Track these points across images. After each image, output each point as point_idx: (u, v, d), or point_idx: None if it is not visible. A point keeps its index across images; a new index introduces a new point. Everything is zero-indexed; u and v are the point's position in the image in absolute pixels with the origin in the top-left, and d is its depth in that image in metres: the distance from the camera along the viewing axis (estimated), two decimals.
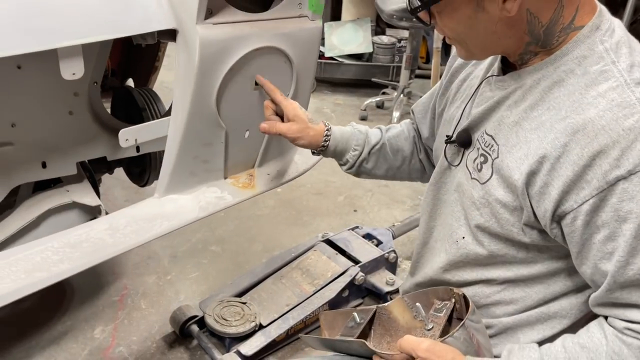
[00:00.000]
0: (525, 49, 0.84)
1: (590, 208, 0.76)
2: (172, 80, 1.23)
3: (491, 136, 0.90)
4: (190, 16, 1.10)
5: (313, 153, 1.22)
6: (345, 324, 1.10)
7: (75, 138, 1.41)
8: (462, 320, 0.89)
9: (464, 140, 0.96)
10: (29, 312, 1.89)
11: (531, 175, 0.82)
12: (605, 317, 0.83)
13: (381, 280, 1.99)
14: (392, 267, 2.08)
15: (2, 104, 1.26)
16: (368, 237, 2.15)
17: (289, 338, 1.80)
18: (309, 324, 1.84)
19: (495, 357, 0.91)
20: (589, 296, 0.86)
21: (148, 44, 1.28)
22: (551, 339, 0.89)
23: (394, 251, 2.07)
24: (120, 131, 1.23)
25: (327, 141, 1.17)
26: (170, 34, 1.19)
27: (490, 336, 0.96)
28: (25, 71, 1.23)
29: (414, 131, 1.26)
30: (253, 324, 1.74)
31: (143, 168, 1.87)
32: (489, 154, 0.89)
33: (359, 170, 1.24)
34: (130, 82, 2.12)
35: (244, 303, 1.82)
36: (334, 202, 2.78)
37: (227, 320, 1.76)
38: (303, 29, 1.26)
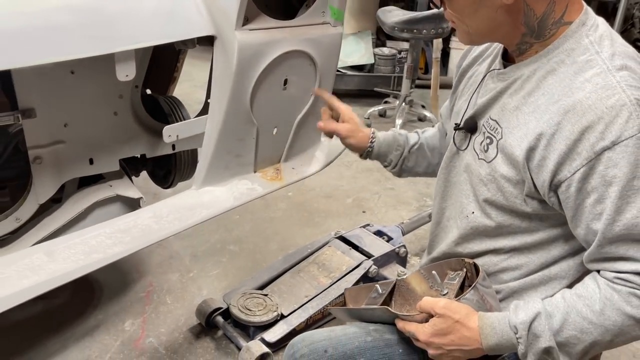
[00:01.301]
0: (521, 40, 0.97)
1: (582, 176, 0.89)
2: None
3: (495, 121, 1.03)
4: (230, 23, 1.23)
5: (360, 156, 1.35)
6: (368, 296, 1.22)
7: (119, 137, 1.54)
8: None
9: (470, 127, 1.09)
10: (62, 307, 1.99)
11: (530, 151, 0.95)
12: (598, 272, 0.95)
13: (393, 273, 2.09)
14: (403, 261, 2.19)
15: (57, 106, 1.39)
16: (379, 234, 2.25)
17: (308, 327, 1.90)
18: (326, 314, 1.95)
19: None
20: None
21: (184, 49, 1.41)
22: None
23: (404, 246, 2.18)
24: (165, 127, 1.36)
25: (372, 143, 1.31)
26: (209, 40, 1.32)
27: (500, 300, 1.09)
28: (78, 76, 1.37)
29: (444, 130, 1.39)
30: (275, 314, 1.84)
31: (168, 170, 1.99)
32: (494, 136, 1.03)
33: (401, 169, 1.37)
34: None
35: (266, 295, 1.93)
36: (343, 204, 2.91)
37: (251, 310, 1.86)
38: (326, 35, 1.40)
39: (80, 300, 2.03)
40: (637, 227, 0.87)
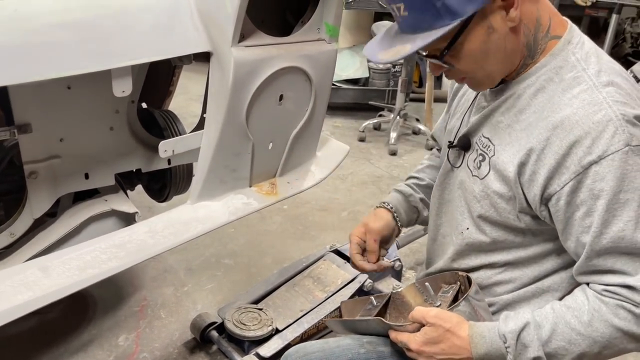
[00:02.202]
0: (522, 62, 0.99)
1: (570, 189, 0.91)
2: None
3: (488, 138, 1.05)
4: (226, 40, 1.25)
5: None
6: (364, 308, 1.23)
7: (115, 151, 1.55)
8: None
9: (464, 144, 1.11)
10: (56, 322, 1.98)
11: (521, 166, 0.97)
12: (587, 284, 0.97)
13: (388, 287, 2.09)
14: (398, 274, 2.20)
15: (53, 121, 1.39)
16: None
17: (303, 342, 1.90)
18: (321, 329, 1.94)
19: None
20: None
21: (180, 65, 1.42)
22: None
23: (399, 260, 2.18)
24: (161, 142, 1.37)
25: (397, 220, 1.27)
26: (205, 56, 1.34)
27: (493, 313, 1.10)
28: (74, 91, 1.37)
29: (436, 158, 1.39)
30: (270, 328, 1.84)
31: (163, 184, 1.99)
32: (486, 153, 1.05)
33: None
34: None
35: (261, 309, 1.92)
36: (339, 217, 2.91)
37: (245, 324, 1.85)
38: (321, 51, 1.42)
39: (74, 315, 2.03)
40: (624, 240, 0.89)
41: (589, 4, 4.26)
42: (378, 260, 1.25)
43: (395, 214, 1.27)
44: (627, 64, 4.11)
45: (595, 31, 4.54)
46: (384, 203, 1.28)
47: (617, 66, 0.97)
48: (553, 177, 0.93)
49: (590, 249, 0.92)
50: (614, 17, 4.29)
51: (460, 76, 1.01)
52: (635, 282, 0.89)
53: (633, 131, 0.87)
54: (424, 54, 0.96)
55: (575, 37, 0.98)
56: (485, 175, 1.04)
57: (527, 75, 0.99)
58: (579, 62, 0.96)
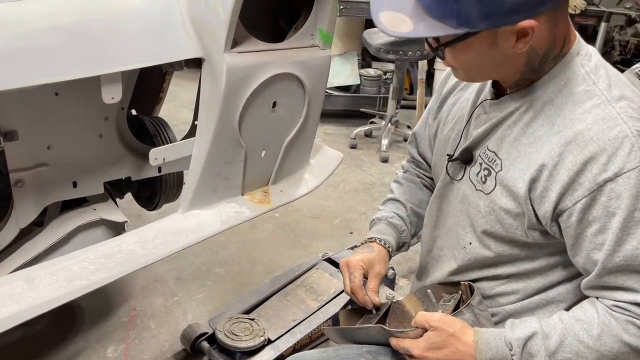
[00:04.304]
0: (521, 77, 0.97)
1: (583, 206, 0.89)
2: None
3: (494, 152, 1.02)
4: (218, 46, 1.22)
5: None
6: (362, 317, 1.21)
7: (104, 159, 1.51)
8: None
9: (466, 158, 1.09)
10: (42, 333, 1.93)
11: (532, 182, 0.94)
12: (596, 298, 0.95)
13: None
14: (391, 283, 2.18)
15: (40, 128, 1.36)
16: None
17: (295, 352, 1.87)
18: (314, 339, 1.92)
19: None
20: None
21: (171, 71, 1.40)
22: None
23: (392, 268, 2.16)
24: (151, 150, 1.34)
25: (387, 247, 1.22)
26: (196, 62, 1.31)
27: (496, 323, 1.08)
28: (62, 98, 1.34)
29: (415, 169, 1.37)
30: (262, 339, 1.81)
31: (153, 192, 1.96)
32: (492, 168, 1.02)
33: (416, 234, 1.33)
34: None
35: (252, 319, 1.89)
36: (331, 225, 2.89)
37: (237, 335, 1.82)
38: (315, 58, 1.40)
39: (61, 326, 1.98)
40: (637, 258, 0.88)
41: (578, 12, 4.29)
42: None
43: (391, 255, 1.23)
44: None
45: (585, 39, 4.56)
46: (384, 243, 1.21)
47: (623, 77, 0.96)
48: (565, 194, 0.91)
49: (602, 266, 0.90)
50: (603, 25, 4.33)
51: (448, 65, 1.00)
52: None
53: None
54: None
55: (583, 48, 0.97)
56: (492, 191, 1.02)
57: (534, 87, 0.97)
58: (588, 75, 0.94)
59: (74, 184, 1.46)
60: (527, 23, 0.84)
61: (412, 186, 1.33)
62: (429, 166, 1.33)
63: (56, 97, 1.34)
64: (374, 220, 1.28)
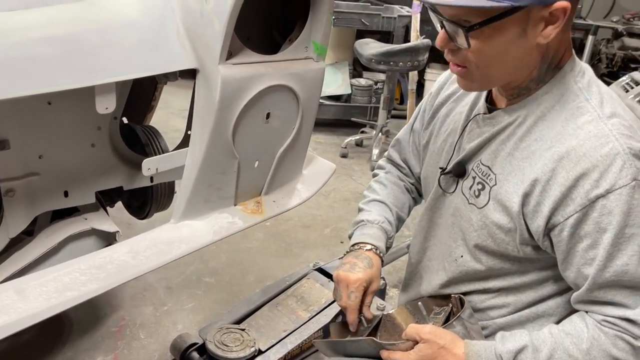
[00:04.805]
0: (527, 85, 0.97)
1: (575, 222, 0.91)
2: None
3: (488, 167, 1.03)
4: (213, 57, 1.23)
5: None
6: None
7: (96, 169, 1.51)
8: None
9: (458, 172, 1.10)
10: (30, 344, 1.91)
11: (525, 196, 0.96)
12: (586, 312, 0.96)
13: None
14: (382, 293, 2.17)
15: (32, 137, 1.35)
16: None
17: None
18: (305, 349, 1.91)
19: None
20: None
21: (165, 81, 1.40)
22: None
23: (382, 278, 2.16)
24: (144, 161, 1.33)
25: (381, 256, 1.21)
26: (191, 73, 1.32)
27: (486, 336, 1.09)
28: (54, 107, 1.33)
29: (396, 171, 1.37)
30: (253, 349, 1.80)
31: (144, 201, 1.95)
32: (487, 182, 1.03)
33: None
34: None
35: (243, 329, 1.88)
36: (321, 234, 2.89)
37: (227, 346, 1.81)
38: (309, 70, 1.41)
39: (49, 336, 1.96)
40: (627, 274, 0.89)
41: None
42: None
43: (383, 262, 1.22)
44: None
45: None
46: (380, 252, 1.19)
47: (614, 94, 0.98)
48: (558, 209, 0.92)
49: (592, 281, 0.91)
50: (590, 38, 4.39)
51: (461, 62, 0.95)
52: (635, 315, 0.89)
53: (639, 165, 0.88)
54: (448, 20, 0.88)
55: (577, 65, 0.98)
56: (485, 205, 1.02)
57: (528, 102, 0.98)
58: (581, 91, 0.95)
59: (65, 194, 1.45)
60: (562, 4, 0.85)
61: (396, 189, 1.33)
62: (411, 172, 1.34)
63: (49, 107, 1.33)
64: (363, 221, 1.24)
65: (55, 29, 1.12)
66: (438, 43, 0.95)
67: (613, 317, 0.92)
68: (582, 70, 0.98)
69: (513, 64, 0.93)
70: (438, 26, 0.93)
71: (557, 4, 0.85)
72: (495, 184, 1.01)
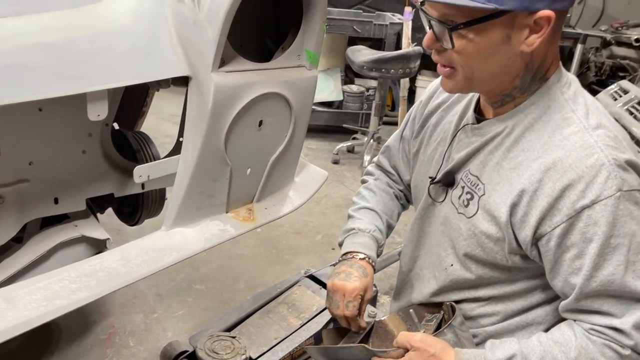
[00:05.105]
0: (510, 92, 0.98)
1: (562, 232, 0.92)
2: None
3: (476, 176, 1.04)
4: (206, 65, 1.23)
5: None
6: (346, 336, 1.21)
7: (87, 175, 1.50)
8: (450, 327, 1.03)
9: (447, 181, 1.10)
10: (17, 352, 1.89)
11: (513, 207, 0.97)
12: (574, 320, 0.98)
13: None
14: (373, 300, 2.17)
15: (22, 144, 1.34)
16: None
17: None
18: (296, 357, 1.90)
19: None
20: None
21: (158, 89, 1.39)
22: None
23: (374, 285, 2.17)
24: (136, 168, 1.33)
25: (373, 264, 1.21)
26: (183, 81, 1.31)
27: (477, 344, 1.09)
28: (45, 113, 1.33)
29: (385, 178, 1.37)
30: (244, 357, 1.78)
31: (135, 207, 1.94)
32: (475, 192, 1.04)
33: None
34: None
35: (234, 337, 1.87)
36: (313, 240, 2.89)
37: (218, 353, 1.79)
38: (301, 78, 1.41)
39: (37, 344, 1.94)
40: (613, 283, 0.90)
41: None
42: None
43: (375, 270, 1.22)
44: (592, 93, 4.23)
45: (561, 60, 4.68)
46: (372, 262, 1.20)
47: (600, 105, 0.99)
48: (545, 219, 0.93)
49: (579, 291, 0.92)
50: (579, 47, 4.44)
51: (447, 63, 0.96)
52: (622, 324, 0.90)
53: (624, 176, 0.89)
54: (435, 19, 0.90)
55: (564, 76, 0.99)
56: (473, 215, 1.03)
57: (515, 112, 0.99)
58: (567, 102, 0.97)
59: (56, 200, 1.44)
60: (546, 12, 0.86)
61: (385, 196, 1.33)
62: (400, 178, 1.35)
63: (39, 113, 1.32)
64: (354, 229, 1.25)
65: (46, 35, 1.11)
66: (425, 43, 0.96)
67: (600, 325, 0.93)
68: (569, 82, 0.99)
69: (496, 69, 0.94)
70: (427, 26, 0.95)
71: (541, 13, 0.86)
72: (484, 194, 1.01)
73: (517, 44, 0.90)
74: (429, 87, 1.26)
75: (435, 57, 0.98)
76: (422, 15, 0.94)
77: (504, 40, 0.89)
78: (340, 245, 1.26)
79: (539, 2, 0.86)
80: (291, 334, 1.91)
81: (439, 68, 0.99)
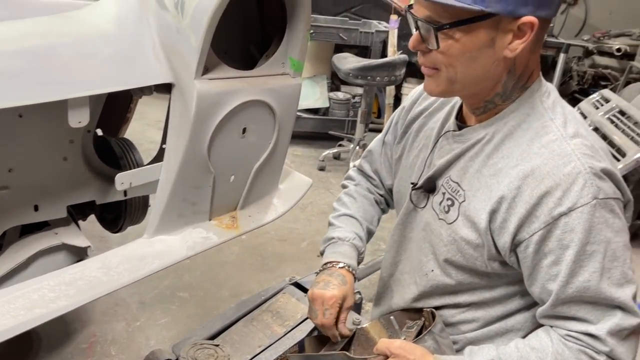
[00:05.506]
0: (492, 98, 0.99)
1: (539, 238, 0.93)
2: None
3: (457, 183, 1.05)
4: (189, 72, 1.22)
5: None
6: (327, 343, 1.21)
7: (68, 183, 1.48)
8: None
9: (429, 187, 1.11)
10: None
11: (492, 213, 0.98)
12: (550, 326, 0.98)
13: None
14: (358, 307, 2.16)
15: (2, 150, 1.32)
16: None
17: None
18: None
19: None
20: None
21: (141, 96, 1.39)
22: None
23: (358, 292, 2.16)
24: (117, 175, 1.31)
25: (354, 273, 1.21)
26: (166, 87, 1.31)
27: (457, 351, 1.10)
28: (26, 120, 1.31)
29: (366, 183, 1.37)
30: None
31: (118, 214, 1.92)
32: (456, 199, 1.05)
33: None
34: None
35: (217, 345, 1.85)
36: (298, 248, 2.88)
37: None
38: (285, 85, 1.41)
39: (16, 353, 1.91)
40: (588, 290, 0.91)
41: None
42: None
43: (356, 278, 1.22)
44: (574, 101, 4.30)
45: (544, 69, 4.75)
46: (352, 270, 1.20)
47: (577, 115, 1.01)
48: (523, 225, 0.94)
49: (556, 297, 0.93)
50: (562, 56, 4.50)
51: (431, 65, 0.97)
52: (597, 330, 0.91)
53: (600, 184, 0.90)
54: (421, 20, 0.91)
55: (543, 85, 1.01)
56: (454, 221, 1.04)
57: (495, 120, 1.01)
58: (546, 111, 0.98)
59: (36, 208, 1.42)
60: (529, 18, 0.88)
61: (365, 202, 1.33)
62: (381, 183, 1.35)
63: (20, 119, 1.31)
64: (334, 239, 1.25)
65: (27, 41, 1.10)
66: (411, 44, 0.97)
67: (576, 332, 0.94)
68: (548, 91, 1.01)
69: (479, 72, 0.95)
70: (414, 29, 0.96)
71: (525, 18, 0.88)
72: (464, 200, 1.02)
73: (500, 48, 0.91)
74: (411, 93, 1.27)
75: (420, 59, 0.99)
76: (409, 17, 0.96)
77: (488, 43, 0.91)
78: (322, 254, 1.26)
79: (523, 8, 0.88)
80: (275, 342, 1.89)
81: (423, 69, 1.00)
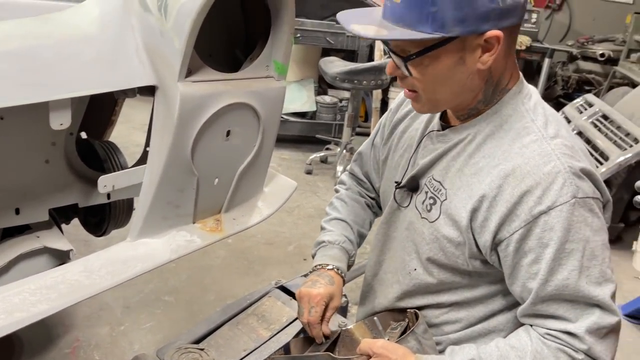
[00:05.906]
0: (475, 106, 1.02)
1: (520, 237, 0.94)
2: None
3: (439, 182, 1.07)
4: (172, 74, 1.22)
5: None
6: (312, 345, 1.22)
7: (50, 185, 1.47)
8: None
9: (412, 186, 1.13)
10: None
11: (473, 212, 0.99)
12: (530, 325, 0.99)
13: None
14: (344, 311, 2.16)
15: None
16: None
17: None
18: None
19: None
20: None
21: (124, 98, 1.38)
22: None
23: (345, 295, 2.17)
24: (100, 178, 1.31)
25: (343, 276, 1.23)
26: (149, 90, 1.30)
27: (440, 352, 1.10)
28: (7, 122, 1.30)
29: (357, 187, 1.38)
30: None
31: (101, 218, 1.90)
32: (438, 197, 1.06)
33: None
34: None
35: (202, 349, 1.84)
36: (284, 251, 2.88)
37: None
38: (270, 88, 1.41)
39: None
40: (567, 288, 0.92)
41: (523, 48, 4.51)
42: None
43: (345, 281, 1.24)
44: (559, 105, 4.36)
45: (530, 74, 4.82)
46: (341, 272, 1.22)
47: (558, 116, 1.03)
48: (504, 224, 0.95)
49: (535, 295, 0.94)
50: (547, 61, 4.56)
51: (411, 88, 1.00)
52: (576, 329, 0.92)
53: (579, 183, 0.92)
54: (392, 50, 0.95)
55: (525, 88, 1.03)
56: (436, 219, 1.05)
57: (478, 120, 1.02)
58: (527, 112, 1.00)
59: (17, 211, 1.41)
60: (494, 32, 0.89)
61: (356, 206, 1.35)
62: (372, 186, 1.36)
63: (1, 122, 1.29)
64: (324, 242, 1.27)
65: (8, 43, 1.09)
66: (387, 71, 1.01)
67: (555, 330, 0.95)
68: (530, 93, 1.03)
69: (457, 89, 0.98)
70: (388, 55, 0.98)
71: (489, 33, 0.90)
72: (446, 199, 1.04)
73: (472, 63, 0.94)
74: (398, 96, 1.29)
75: (400, 83, 1.03)
76: (383, 46, 0.98)
77: (458, 62, 0.93)
78: (313, 257, 1.28)
79: (484, 25, 0.89)
80: (260, 345, 1.89)
81: (405, 92, 1.04)
